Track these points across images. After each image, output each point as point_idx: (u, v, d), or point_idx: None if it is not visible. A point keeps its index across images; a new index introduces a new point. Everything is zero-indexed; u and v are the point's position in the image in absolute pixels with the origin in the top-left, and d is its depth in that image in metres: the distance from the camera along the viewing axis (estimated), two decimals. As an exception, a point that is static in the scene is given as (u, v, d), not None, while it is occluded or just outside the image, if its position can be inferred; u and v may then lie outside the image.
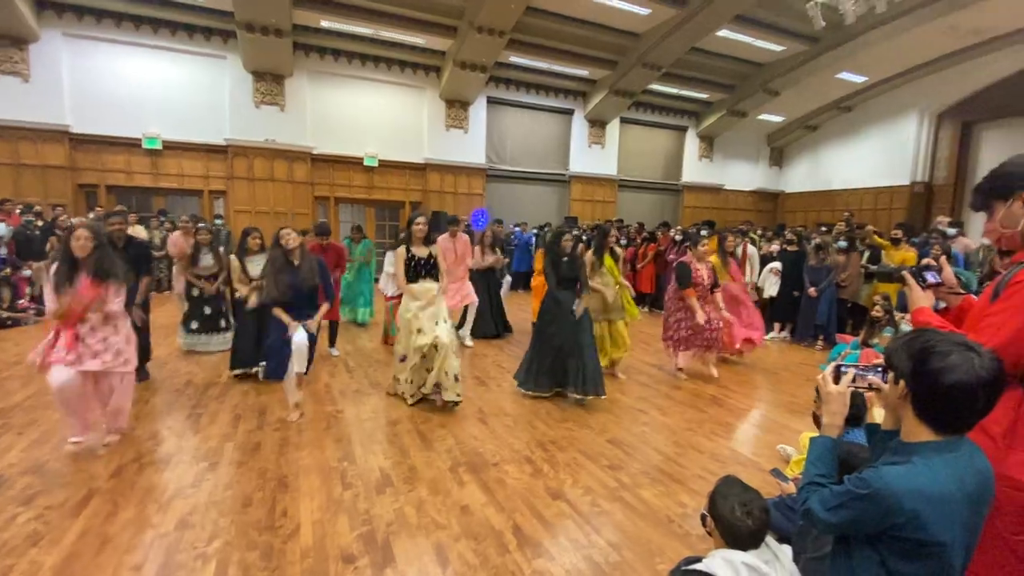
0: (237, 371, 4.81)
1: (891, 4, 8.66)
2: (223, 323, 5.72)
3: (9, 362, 5.15)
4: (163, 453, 3.27)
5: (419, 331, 4.09)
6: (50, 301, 3.08)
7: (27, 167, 9.85)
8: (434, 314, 4.14)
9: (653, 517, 2.69)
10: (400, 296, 5.78)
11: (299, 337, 3.79)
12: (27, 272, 7.29)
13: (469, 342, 6.36)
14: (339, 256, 5.87)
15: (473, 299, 6.19)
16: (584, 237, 6.56)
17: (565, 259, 4.47)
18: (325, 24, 10.92)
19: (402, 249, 4.21)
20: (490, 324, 6.76)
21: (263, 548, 2.34)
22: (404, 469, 3.14)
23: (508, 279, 7.91)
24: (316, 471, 3.09)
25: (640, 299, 9.48)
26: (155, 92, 10.70)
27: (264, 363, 4.11)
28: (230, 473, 3.03)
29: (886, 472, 1.17)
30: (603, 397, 4.33)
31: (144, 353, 4.73)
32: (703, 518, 1.74)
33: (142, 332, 4.56)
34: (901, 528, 1.14)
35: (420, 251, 4.22)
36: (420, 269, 4.21)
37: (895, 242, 6.76)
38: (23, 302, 7.07)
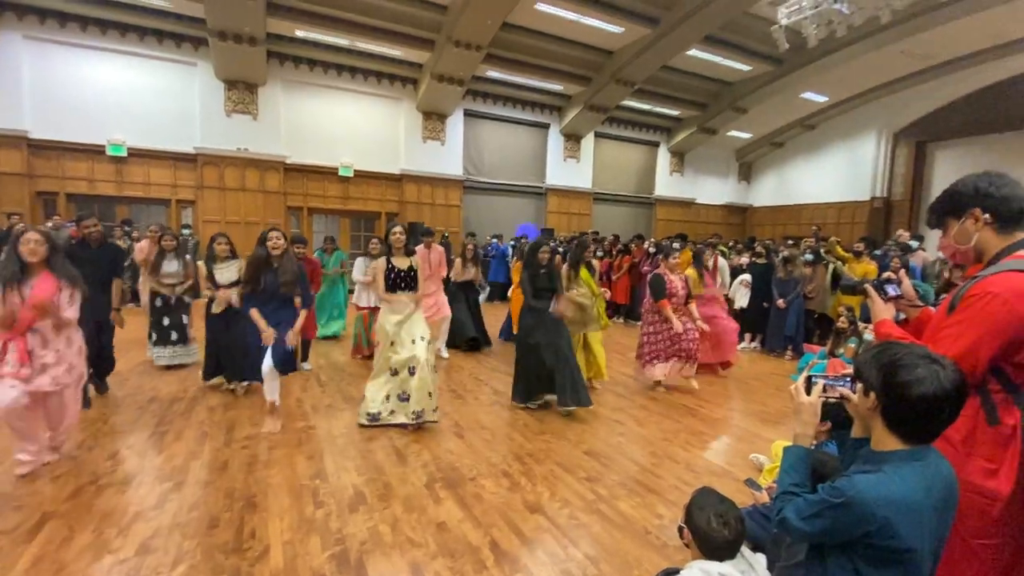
0: (211, 381, 4.67)
1: (851, 28, 9.09)
2: (189, 334, 5.53)
3: (-44, 379, 4.85)
4: (123, 473, 3.12)
5: (392, 344, 4.04)
6: None
7: (-20, 173, 9.41)
8: (411, 330, 4.07)
9: (630, 529, 2.70)
10: (374, 308, 5.76)
11: (267, 364, 3.79)
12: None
13: (445, 354, 6.31)
14: (314, 270, 5.75)
15: (446, 312, 6.16)
16: (560, 249, 6.62)
17: (542, 271, 4.51)
18: (300, 34, 10.83)
19: (382, 261, 4.13)
20: (469, 335, 6.71)
21: (230, 572, 2.25)
22: (379, 486, 3.07)
23: (485, 290, 7.92)
24: (286, 489, 2.99)
25: (615, 310, 9.61)
26: (121, 98, 10.39)
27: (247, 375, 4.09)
28: (196, 493, 2.91)
29: (859, 481, 1.20)
30: (589, 407, 4.37)
31: (108, 364, 4.56)
32: (680, 530, 1.75)
33: (106, 343, 4.42)
34: (873, 535, 1.17)
35: (400, 262, 4.13)
36: (400, 281, 4.13)
37: (857, 255, 7.03)
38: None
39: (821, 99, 14.76)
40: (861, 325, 5.18)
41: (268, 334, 3.78)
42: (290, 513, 2.74)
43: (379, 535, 2.56)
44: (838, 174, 16.06)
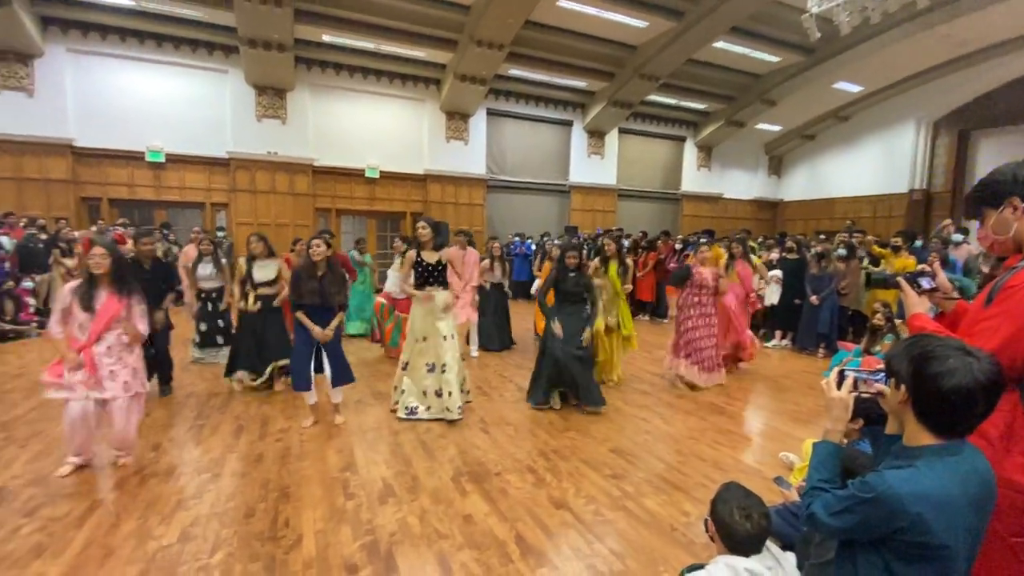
0: (238, 374, 4.79)
1: (885, 15, 8.76)
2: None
3: (12, 375, 5.16)
4: (165, 465, 3.27)
5: (424, 339, 4.16)
6: (55, 323, 3.05)
7: (30, 181, 9.92)
8: (441, 327, 4.15)
9: (656, 526, 2.69)
10: (397, 300, 5.85)
11: (326, 370, 3.97)
12: (30, 284, 7.32)
13: (475, 353, 6.38)
14: (345, 263, 6.00)
15: (474, 318, 6.21)
16: (585, 247, 6.62)
17: (572, 274, 4.50)
18: (327, 38, 11.05)
19: (412, 253, 4.22)
20: (496, 337, 6.76)
21: (265, 559, 2.34)
22: (407, 479, 3.14)
23: (509, 293, 7.96)
24: (318, 481, 3.08)
25: (640, 308, 9.51)
26: (158, 106, 10.81)
27: (290, 375, 4.21)
28: (232, 484, 3.02)
29: (890, 476, 1.18)
30: (604, 407, 4.40)
31: (167, 366, 4.73)
32: (705, 523, 1.75)
33: (161, 347, 4.58)
34: (905, 532, 1.15)
35: (429, 256, 4.20)
36: (428, 275, 4.19)
37: (895, 250, 6.79)
38: (26, 315, 7.09)
39: (855, 89, 14.26)
40: (898, 322, 5.00)
41: (319, 333, 3.83)
42: (322, 504, 2.82)
43: (408, 526, 2.62)
44: (874, 166, 15.50)
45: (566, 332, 4.34)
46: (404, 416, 4.14)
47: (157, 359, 4.55)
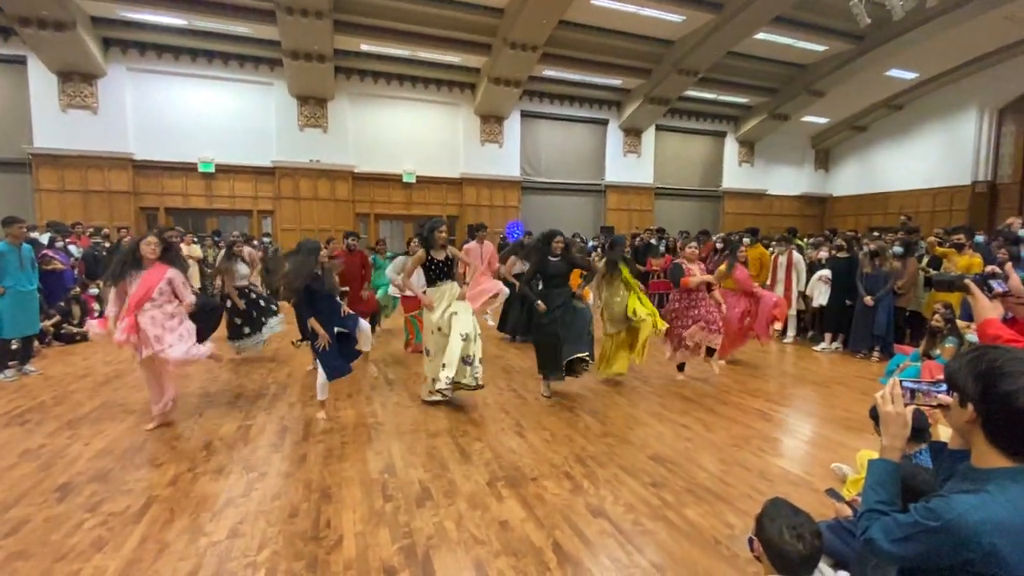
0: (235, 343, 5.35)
1: (943, -3, 8.25)
2: (264, 316, 6.07)
3: (77, 375, 5.51)
4: (216, 463, 3.41)
5: (439, 329, 4.43)
6: (111, 301, 3.80)
7: (95, 193, 10.62)
8: (454, 312, 4.44)
9: (699, 538, 2.60)
10: (416, 305, 6.02)
11: (363, 327, 4.42)
12: (95, 290, 7.82)
13: (491, 321, 6.56)
14: (363, 262, 6.50)
15: (504, 290, 6.32)
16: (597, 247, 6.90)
17: (555, 259, 4.77)
18: (364, 47, 11.35)
19: (422, 252, 4.50)
20: (522, 328, 7.00)
21: (308, 558, 2.40)
22: (443, 482, 3.16)
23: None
24: (358, 483, 3.14)
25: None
26: (209, 119, 11.37)
27: (326, 368, 4.35)
28: (277, 483, 3.12)
29: (958, 501, 1.08)
30: (589, 360, 4.70)
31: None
32: (750, 542, 1.66)
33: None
34: (975, 564, 1.05)
35: (437, 254, 4.52)
36: (437, 271, 4.54)
37: (958, 247, 6.34)
38: (91, 318, 7.58)
39: (910, 76, 13.49)
40: (961, 324, 4.68)
41: (323, 336, 4.10)
42: (362, 505, 2.88)
43: (445, 531, 2.63)
44: (932, 157, 14.61)
45: (551, 307, 4.64)
46: (446, 391, 4.33)
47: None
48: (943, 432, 2.64)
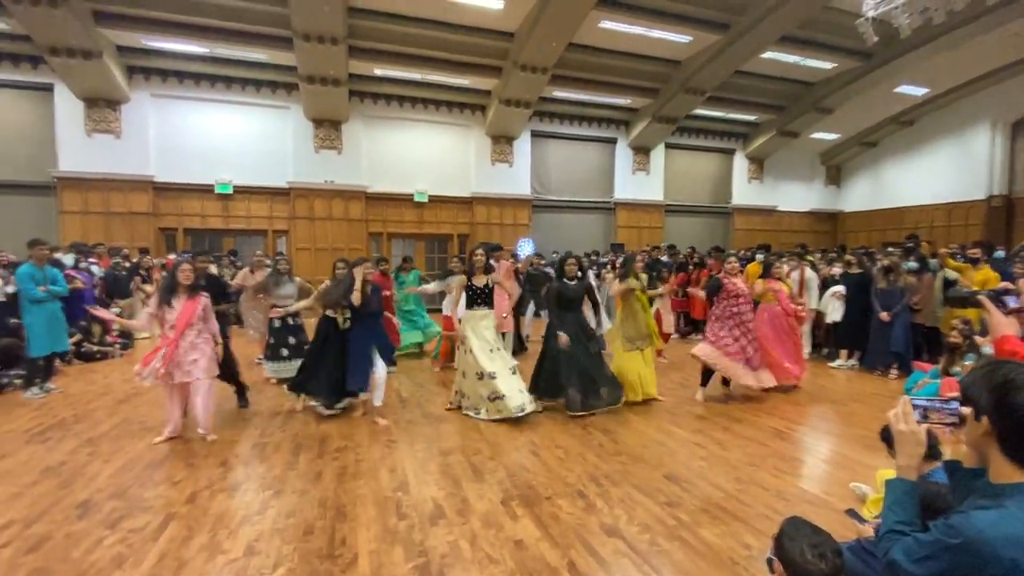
0: (302, 397, 4.94)
1: (950, 15, 8.28)
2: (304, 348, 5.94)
3: (98, 392, 5.61)
4: (232, 480, 3.45)
5: (470, 351, 4.64)
6: (143, 316, 4.25)
7: (116, 214, 10.91)
8: (488, 338, 4.72)
9: (715, 558, 2.56)
10: (451, 326, 6.10)
11: (380, 370, 4.47)
12: (116, 310, 7.97)
13: (513, 361, 6.60)
14: (385, 283, 6.58)
15: (508, 327, 6.67)
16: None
17: (572, 282, 4.86)
18: (378, 72, 11.64)
19: (463, 278, 4.80)
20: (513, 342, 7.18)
21: (324, 577, 2.41)
22: (457, 501, 3.15)
23: (532, 306, 8.30)
24: (372, 501, 3.15)
25: (694, 326, 9.23)
26: (227, 142, 11.69)
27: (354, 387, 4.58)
28: (293, 501, 3.14)
29: (977, 518, 1.08)
30: (619, 404, 4.86)
31: (235, 378, 5.00)
32: (770, 562, 1.65)
33: (230, 362, 4.88)
34: None
35: (478, 280, 4.75)
36: (477, 297, 4.76)
37: (973, 262, 6.27)
38: (111, 337, 7.73)
39: (920, 92, 13.49)
40: (978, 339, 4.61)
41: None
42: (376, 523, 2.88)
43: (459, 550, 2.63)
44: (945, 172, 14.51)
45: (568, 334, 4.70)
46: (468, 414, 4.74)
47: (225, 362, 4.75)
48: (948, 454, 2.60)
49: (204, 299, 4.20)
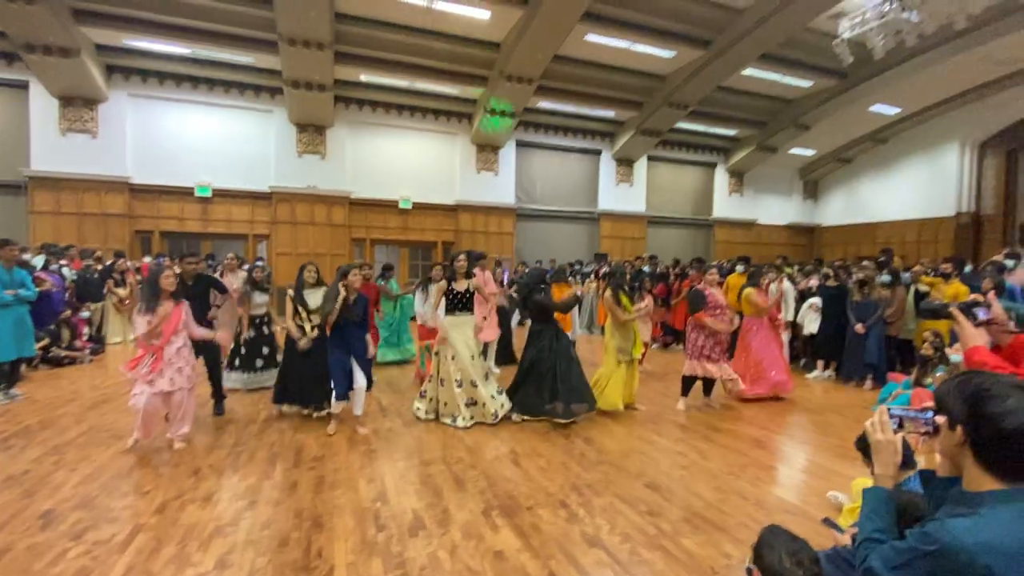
0: (284, 406, 4.91)
1: (921, 37, 8.61)
2: (277, 359, 5.78)
3: (65, 399, 5.42)
4: (204, 491, 3.34)
5: (454, 358, 4.68)
6: (141, 325, 3.91)
7: (90, 216, 10.62)
8: (471, 345, 4.77)
9: (696, 568, 2.57)
10: (435, 335, 6.03)
11: (360, 381, 4.37)
12: (86, 314, 7.74)
13: (496, 370, 6.60)
14: (376, 294, 6.49)
15: (492, 336, 6.72)
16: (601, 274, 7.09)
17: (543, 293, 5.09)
18: (364, 78, 11.60)
19: (444, 283, 4.82)
20: (504, 353, 7.32)
21: (298, 590, 2.34)
22: (437, 511, 3.11)
23: (517, 313, 8.38)
24: (350, 511, 3.09)
25: (675, 336, 9.31)
26: (207, 144, 11.50)
27: (333, 390, 4.46)
28: (267, 512, 3.06)
29: (953, 525, 1.10)
30: (591, 412, 4.85)
31: (219, 382, 4.97)
32: (749, 572, 1.65)
33: (215, 369, 4.90)
34: None
35: (459, 285, 4.80)
36: (457, 302, 4.81)
37: (945, 277, 6.47)
38: (80, 342, 7.48)
39: (893, 111, 13.96)
40: (948, 351, 4.74)
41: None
42: (354, 535, 2.82)
43: (438, 561, 2.58)
44: (917, 189, 15.00)
45: (548, 344, 4.83)
46: (444, 422, 4.73)
47: (216, 367, 4.89)
48: (922, 463, 2.66)
49: (186, 305, 4.13)
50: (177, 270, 4.59)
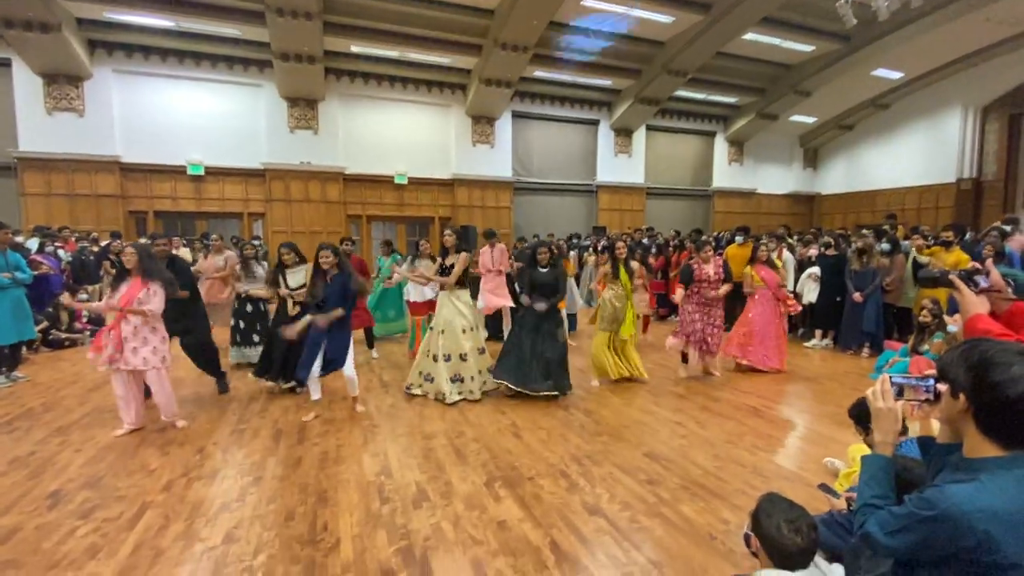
0: (262, 378, 5.00)
1: (927, -2, 8.37)
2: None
3: (67, 381, 5.44)
4: (210, 468, 3.39)
5: (443, 332, 4.70)
6: (106, 298, 3.96)
7: (82, 196, 10.49)
8: (467, 315, 4.80)
9: (695, 534, 2.62)
10: (426, 309, 6.06)
11: (348, 370, 4.29)
12: (84, 296, 7.71)
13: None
14: (362, 266, 6.50)
15: (509, 302, 6.72)
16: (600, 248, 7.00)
17: (544, 269, 4.90)
18: (355, 49, 11.30)
19: (465, 256, 4.87)
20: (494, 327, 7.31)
21: (305, 562, 2.39)
22: (440, 484, 3.15)
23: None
24: (354, 485, 3.13)
25: (672, 309, 9.32)
26: (197, 121, 11.27)
27: (299, 377, 4.38)
28: (273, 487, 3.11)
29: (952, 491, 1.10)
30: (567, 393, 4.83)
31: (215, 358, 4.97)
32: (747, 538, 1.69)
33: (210, 350, 4.90)
34: (972, 551, 1.07)
35: (450, 260, 4.83)
36: (444, 273, 4.84)
37: (946, 245, 6.43)
38: (80, 323, 7.48)
39: (896, 76, 13.68)
40: (947, 318, 4.75)
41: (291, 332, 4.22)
42: (358, 508, 2.87)
43: (442, 532, 2.63)
44: (918, 155, 14.83)
45: (532, 320, 4.78)
46: (420, 394, 4.80)
47: (202, 350, 4.84)
48: (915, 429, 2.69)
49: (153, 285, 3.90)
50: (173, 249, 4.57)
